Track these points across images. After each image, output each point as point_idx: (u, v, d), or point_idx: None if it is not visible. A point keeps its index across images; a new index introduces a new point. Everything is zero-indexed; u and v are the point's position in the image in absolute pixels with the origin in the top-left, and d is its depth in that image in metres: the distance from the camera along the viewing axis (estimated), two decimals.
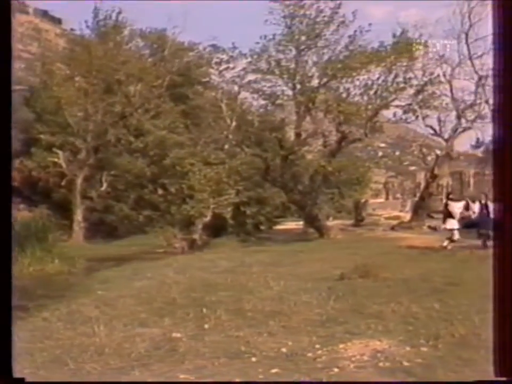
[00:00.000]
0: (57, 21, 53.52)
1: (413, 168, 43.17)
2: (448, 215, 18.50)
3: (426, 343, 7.44)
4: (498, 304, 3.66)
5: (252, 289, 11.79)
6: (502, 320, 3.63)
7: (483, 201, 18.76)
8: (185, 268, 16.45)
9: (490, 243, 17.71)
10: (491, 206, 18.28)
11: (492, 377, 4.33)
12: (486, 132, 29.69)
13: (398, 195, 44.98)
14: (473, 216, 18.69)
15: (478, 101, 27.89)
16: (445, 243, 17.94)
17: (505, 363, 3.60)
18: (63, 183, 30.18)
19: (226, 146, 28.57)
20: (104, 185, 31.57)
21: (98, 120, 30.89)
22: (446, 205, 18.73)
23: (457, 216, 18.37)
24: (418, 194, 33.27)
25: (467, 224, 18.94)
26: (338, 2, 24.99)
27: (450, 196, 19.37)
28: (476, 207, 18.69)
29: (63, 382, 6.68)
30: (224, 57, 27.73)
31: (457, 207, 18.55)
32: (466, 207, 18.74)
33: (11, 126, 3.47)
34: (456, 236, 18.15)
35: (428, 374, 6.27)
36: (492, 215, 18.21)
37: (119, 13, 32.59)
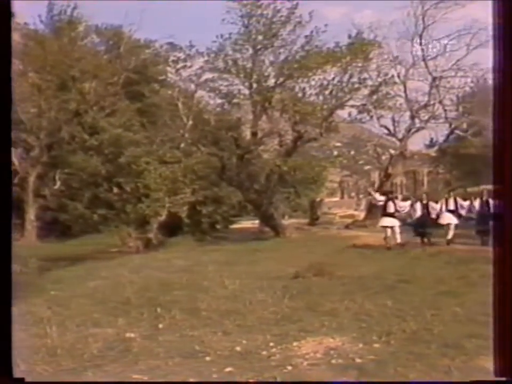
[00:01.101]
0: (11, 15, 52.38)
1: (367, 167, 43.84)
2: (385, 213, 18.63)
3: (379, 339, 7.55)
4: (498, 304, 3.67)
5: (207, 289, 11.78)
6: (502, 320, 3.65)
7: (424, 201, 19.06)
8: (140, 267, 16.34)
9: (433, 240, 18.18)
10: (432, 205, 18.66)
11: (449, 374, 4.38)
12: (440, 131, 30.43)
13: (353, 194, 45.56)
14: (414, 216, 18.92)
15: (432, 102, 28.52)
16: (399, 240, 18.14)
17: (505, 363, 3.63)
18: (15, 181, 29.57)
19: (182, 145, 28.48)
20: (58, 183, 31.11)
21: (52, 117, 30.42)
22: (385, 203, 18.79)
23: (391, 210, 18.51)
24: None
25: (408, 223, 19.26)
26: (295, 2, 25.17)
27: (390, 195, 19.52)
28: (417, 206, 18.91)
29: (63, 382, 6.59)
30: (181, 55, 27.62)
31: (400, 205, 18.76)
32: (411, 206, 18.97)
33: (11, 128, 3.48)
34: (389, 233, 18.18)
35: (379, 370, 6.37)
36: (432, 215, 18.66)
37: (74, 8, 32.16)
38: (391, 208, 18.47)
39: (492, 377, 6.10)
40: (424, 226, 18.51)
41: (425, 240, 18.26)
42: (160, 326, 8.80)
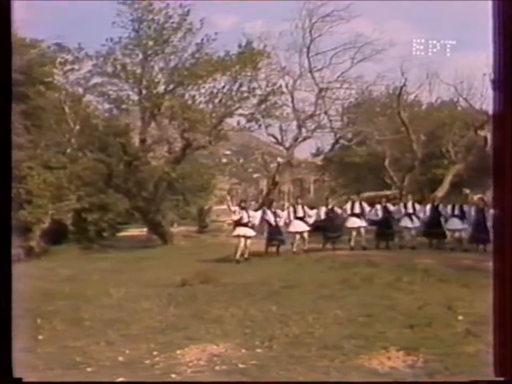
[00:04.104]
0: None
1: (256, 175, 44.30)
2: (239, 222, 18.47)
3: (262, 344, 7.72)
4: (498, 305, 3.72)
5: (91, 298, 11.52)
6: (502, 320, 3.69)
7: (273, 210, 19.46)
8: (20, 276, 15.58)
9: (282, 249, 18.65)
10: (280, 214, 19.18)
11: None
12: (325, 141, 31.41)
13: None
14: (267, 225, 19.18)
15: (318, 112, 29.27)
16: (237, 257, 17.77)
17: (505, 363, 3.66)
18: None
19: (68, 150, 27.56)
20: None
21: None
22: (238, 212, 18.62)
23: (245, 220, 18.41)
24: (260, 201, 34.14)
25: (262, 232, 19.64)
26: (186, 9, 25.08)
27: (243, 204, 19.62)
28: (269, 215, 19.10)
29: (63, 382, 6.39)
30: (69, 57, 26.86)
31: (252, 216, 18.72)
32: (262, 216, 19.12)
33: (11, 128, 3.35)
34: (242, 243, 18.00)
35: (262, 374, 6.51)
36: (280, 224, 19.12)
37: None
38: (244, 218, 18.41)
39: (370, 375, 6.43)
40: (277, 236, 18.88)
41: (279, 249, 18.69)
42: (40, 337, 8.51)
